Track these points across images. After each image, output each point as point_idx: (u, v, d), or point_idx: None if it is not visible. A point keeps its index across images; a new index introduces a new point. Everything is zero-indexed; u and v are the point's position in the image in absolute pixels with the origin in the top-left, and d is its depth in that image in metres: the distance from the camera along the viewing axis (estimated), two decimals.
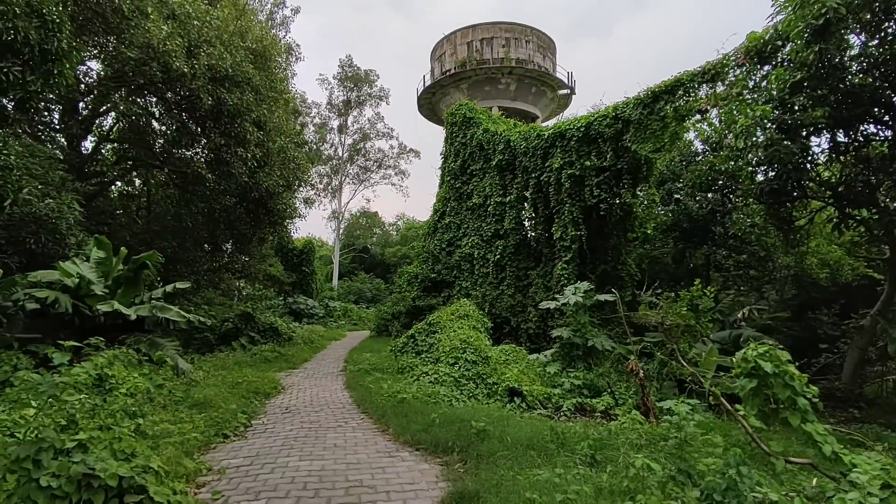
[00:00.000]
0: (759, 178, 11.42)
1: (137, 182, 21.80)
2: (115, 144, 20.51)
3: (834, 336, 14.32)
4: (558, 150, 14.38)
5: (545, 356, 10.63)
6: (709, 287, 10.08)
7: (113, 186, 22.05)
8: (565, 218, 14.13)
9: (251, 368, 12.74)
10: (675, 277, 18.02)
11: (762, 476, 3.59)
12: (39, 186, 11.01)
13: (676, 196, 16.74)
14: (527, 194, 15.85)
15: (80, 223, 13.65)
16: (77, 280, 8.61)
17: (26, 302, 8.19)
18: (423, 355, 11.34)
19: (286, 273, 34.33)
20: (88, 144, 20.00)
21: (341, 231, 52.71)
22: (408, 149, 52.71)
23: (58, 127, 17.34)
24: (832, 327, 14.58)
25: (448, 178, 18.85)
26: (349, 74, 50.07)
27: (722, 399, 4.48)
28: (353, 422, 7.26)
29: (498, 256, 16.42)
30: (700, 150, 16.47)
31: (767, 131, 9.40)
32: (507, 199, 16.39)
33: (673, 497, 3.48)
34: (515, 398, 8.62)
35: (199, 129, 17.30)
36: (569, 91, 37.14)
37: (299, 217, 23.03)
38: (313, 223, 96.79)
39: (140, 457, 4.11)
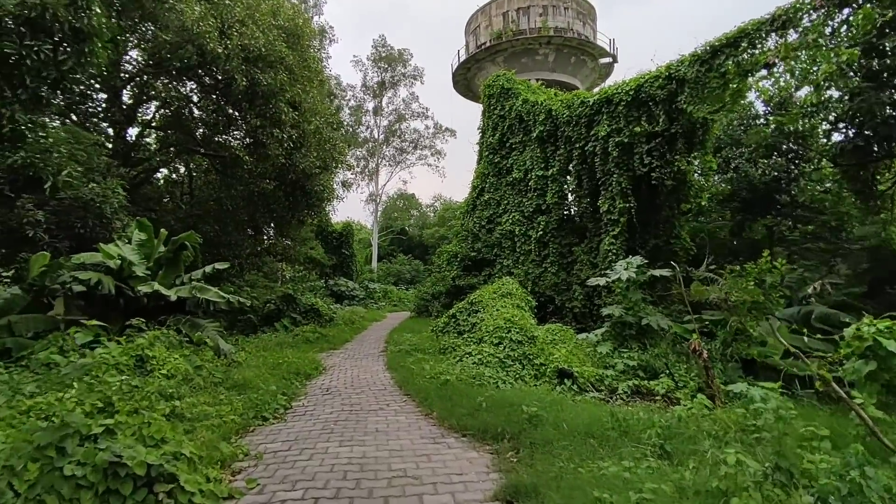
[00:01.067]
0: (837, 137, 10.23)
1: (182, 169, 22.19)
2: (158, 132, 20.80)
3: None
4: (605, 117, 13.44)
5: (595, 336, 9.99)
6: (779, 260, 9.12)
7: (158, 174, 22.58)
8: (613, 189, 13.26)
9: (292, 349, 12.71)
10: (734, 252, 16.82)
11: (891, 478, 2.94)
12: (80, 170, 11.15)
13: (735, 163, 15.46)
14: (570, 167, 15.01)
15: (125, 208, 13.89)
16: (119, 262, 8.60)
17: (73, 284, 8.24)
18: (465, 335, 10.93)
19: (326, 256, 34.64)
20: (133, 132, 20.50)
21: (379, 213, 52.85)
22: (443, 128, 52.00)
23: (102, 115, 17.68)
24: None
25: (486, 154, 18.15)
26: (383, 55, 49.59)
27: (834, 385, 3.79)
28: (396, 404, 6.93)
29: (540, 233, 15.71)
30: (761, 112, 15.10)
31: (851, 81, 8.28)
32: (549, 172, 15.58)
33: (776, 502, 2.90)
34: (565, 380, 8.08)
35: (235, 112, 17.26)
36: (611, 59, 35.31)
37: (337, 199, 22.92)
38: (352, 207, 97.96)
39: (171, 442, 3.86)
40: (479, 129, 19.74)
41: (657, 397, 7.39)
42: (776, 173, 14.22)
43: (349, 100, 49.34)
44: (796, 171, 13.76)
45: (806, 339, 9.88)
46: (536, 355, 8.89)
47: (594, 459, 4.29)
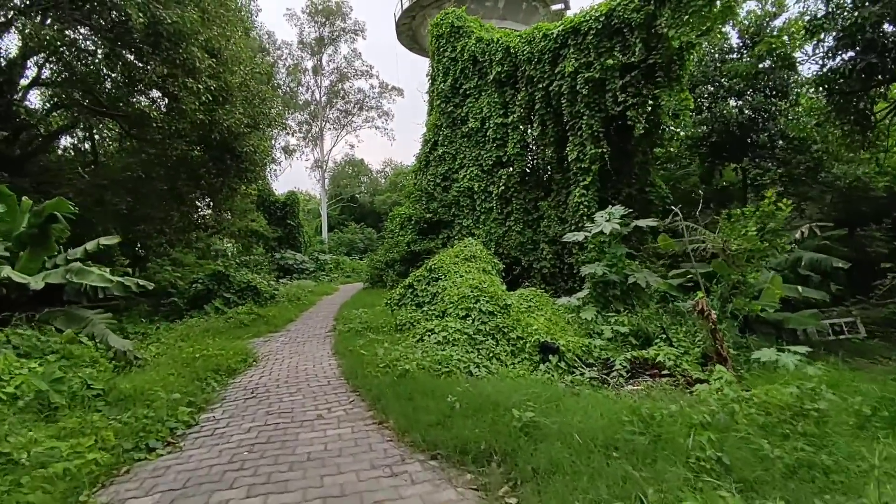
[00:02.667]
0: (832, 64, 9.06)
1: (80, 133, 18.95)
2: (47, 90, 17.40)
3: (883, 254, 12.47)
4: (571, 51, 11.80)
5: (577, 300, 8.63)
6: (783, 200, 7.97)
7: (63, 142, 19.27)
8: (583, 134, 11.79)
9: (223, 336, 10.77)
10: (705, 201, 15.96)
11: None
12: None
13: (707, 102, 14.33)
14: (533, 112, 13.38)
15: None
16: None
17: None
18: (425, 308, 9.34)
19: (270, 228, 32.05)
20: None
21: (327, 181, 49.89)
22: (389, 87, 49.17)
23: None
24: (884, 244, 12.68)
25: (438, 103, 16.22)
26: (319, 7, 45.72)
27: None
28: (340, 408, 5.28)
29: (502, 188, 14.16)
30: (735, 47, 13.89)
31: None
32: (510, 119, 13.92)
33: None
34: (550, 356, 6.69)
35: (136, 61, 14.39)
36: (562, 5, 33.46)
37: (275, 163, 20.36)
38: (298, 177, 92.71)
39: None
40: (427, 75, 17.69)
41: (663, 371, 6.10)
42: (751, 112, 13.16)
43: (285, 58, 45.38)
44: (774, 108, 12.73)
45: (800, 288, 8.90)
46: (512, 327, 7.43)
47: (633, 488, 2.84)
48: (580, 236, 9.57)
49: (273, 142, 22.82)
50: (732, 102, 13.81)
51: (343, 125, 49.64)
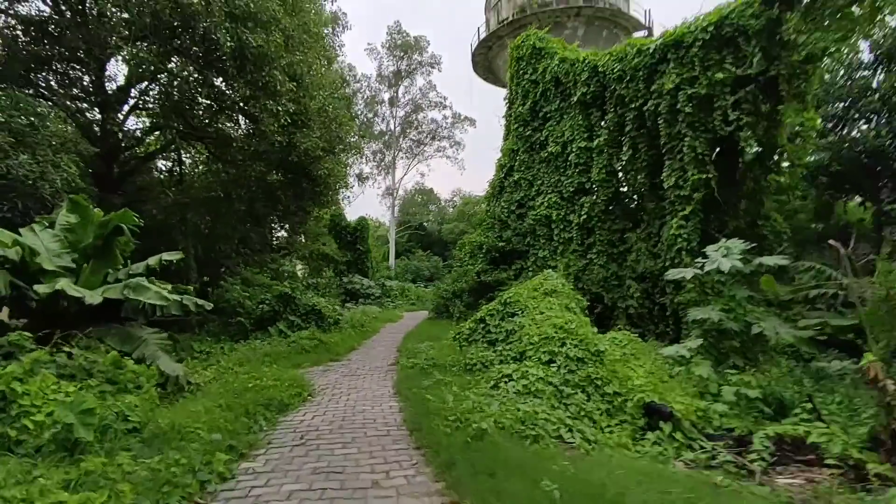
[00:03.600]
0: None
1: (171, 156, 19.97)
2: (148, 113, 18.45)
3: None
4: (672, 66, 10.55)
5: (686, 350, 7.16)
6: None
7: (157, 163, 20.44)
8: (685, 157, 10.39)
9: (283, 361, 10.26)
10: (820, 238, 13.75)
11: None
12: (10, 140, 8.82)
13: (826, 124, 12.40)
14: (623, 135, 12.14)
15: (82, 190, 11.63)
16: (20, 251, 6.16)
17: None
18: (498, 347, 8.23)
19: (340, 252, 32.44)
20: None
21: (396, 208, 50.54)
22: (462, 117, 49.44)
23: (90, 98, 15.48)
24: None
25: (515, 127, 15.38)
26: (398, 42, 47.29)
27: None
28: (400, 472, 4.29)
29: (584, 217, 12.90)
30: (866, 62, 11.97)
31: None
32: (595, 142, 12.75)
33: None
34: (661, 422, 5.34)
35: (221, 82, 14.85)
36: (646, 32, 32.06)
37: (348, 188, 20.40)
38: (369, 204, 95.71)
39: None
40: (505, 99, 16.99)
41: (826, 457, 4.57)
42: (892, 138, 11.12)
43: (363, 90, 47.11)
44: None
45: None
46: (607, 380, 6.15)
47: None
48: (688, 273, 8.11)
49: (348, 168, 22.93)
50: (864, 126, 11.82)
51: (415, 154, 50.41)
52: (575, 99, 13.25)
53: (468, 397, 5.99)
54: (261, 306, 14.21)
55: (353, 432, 5.54)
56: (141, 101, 17.37)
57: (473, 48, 35.48)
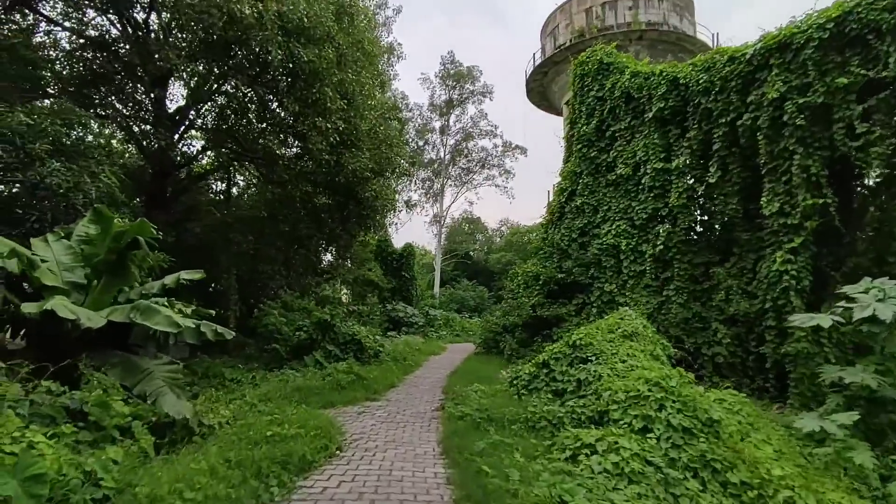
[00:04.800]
0: None
1: (220, 175, 19.87)
2: (202, 132, 18.40)
3: None
4: (776, 72, 8.98)
5: (836, 425, 5.38)
6: None
7: (209, 183, 20.44)
8: (793, 179, 8.69)
9: (314, 399, 9.12)
10: None
11: None
12: (45, 146, 8.34)
13: None
14: (710, 154, 10.56)
15: (123, 204, 11.20)
16: (18, 264, 5.35)
17: None
18: (568, 400, 6.71)
19: (385, 278, 31.71)
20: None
21: (443, 237, 49.78)
22: (513, 146, 48.73)
23: (146, 116, 15.52)
24: None
25: (578, 147, 14.03)
26: (451, 72, 47.54)
27: None
28: None
29: (660, 247, 11.24)
30: None
31: None
32: (674, 163, 11.20)
33: None
34: None
35: (270, 96, 14.44)
36: None
37: (394, 210, 19.55)
38: (415, 232, 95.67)
39: None
40: (566, 120, 15.72)
41: None
42: None
43: (415, 119, 47.40)
44: None
45: None
46: (729, 463, 4.54)
47: None
48: (823, 321, 6.33)
49: (397, 193, 22.22)
50: None
51: (464, 182, 49.87)
52: (650, 115, 11.81)
53: (539, 475, 4.53)
54: (298, 333, 13.25)
55: None
56: (197, 122, 17.30)
57: (528, 74, 34.72)
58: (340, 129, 14.45)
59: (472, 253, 57.74)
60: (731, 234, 10.52)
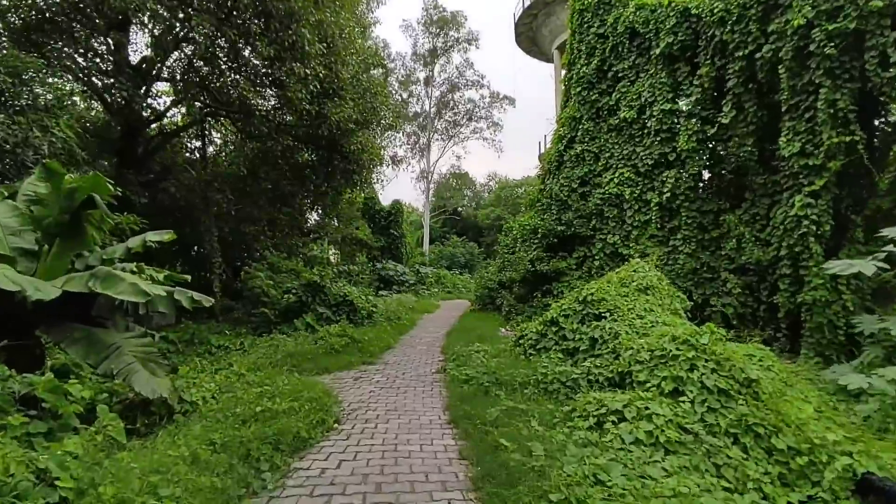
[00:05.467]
0: None
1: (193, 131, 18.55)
2: (172, 84, 16.97)
3: None
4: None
5: (880, 376, 4.96)
6: None
7: (183, 142, 19.13)
8: (818, 115, 8.01)
9: (307, 364, 8.63)
10: None
11: None
12: None
13: None
14: (724, 92, 9.79)
15: (86, 162, 10.19)
16: None
17: None
18: (584, 361, 6.24)
19: (374, 237, 30.99)
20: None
21: (431, 193, 48.72)
22: (501, 96, 46.98)
23: (108, 69, 14.09)
24: None
25: (578, 90, 13.10)
26: (434, 18, 45.11)
27: None
28: None
29: (667, 195, 10.64)
30: None
31: None
32: (684, 103, 10.43)
33: None
34: None
35: (241, 41, 13.16)
36: None
37: (381, 163, 18.57)
38: (402, 189, 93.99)
39: None
40: (563, 61, 14.68)
41: None
42: None
43: (398, 70, 45.24)
44: None
45: None
46: (773, 427, 4.10)
47: None
48: (867, 268, 5.81)
49: (383, 147, 21.06)
50: None
51: (451, 136, 48.39)
52: (657, 52, 10.91)
53: (565, 447, 4.05)
54: (286, 296, 12.62)
55: (397, 494, 3.72)
56: (164, 73, 15.87)
57: (517, 18, 32.83)
58: (321, 75, 13.32)
59: (460, 209, 56.99)
60: (743, 179, 9.93)
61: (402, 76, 45.90)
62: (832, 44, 7.73)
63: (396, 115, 21.28)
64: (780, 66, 8.51)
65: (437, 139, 48.04)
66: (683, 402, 4.41)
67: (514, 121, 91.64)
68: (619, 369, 5.37)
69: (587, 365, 5.86)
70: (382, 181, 45.97)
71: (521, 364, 7.05)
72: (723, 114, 9.63)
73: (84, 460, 3.45)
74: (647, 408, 4.33)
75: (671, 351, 4.94)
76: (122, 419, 5.01)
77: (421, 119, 47.10)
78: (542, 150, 29.09)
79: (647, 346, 5.30)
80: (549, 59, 34.59)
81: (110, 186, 5.19)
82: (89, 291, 4.69)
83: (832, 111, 7.83)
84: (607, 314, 6.63)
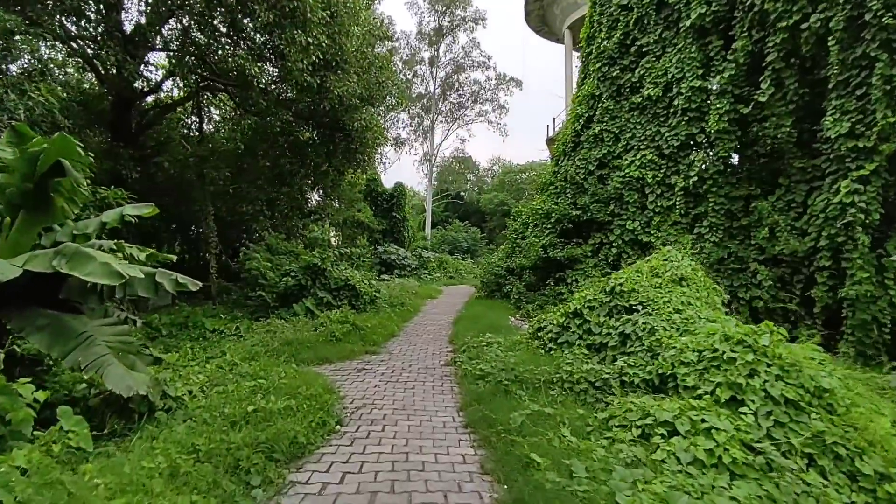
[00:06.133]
0: None
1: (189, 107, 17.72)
2: (165, 52, 16.08)
3: None
4: None
5: None
6: None
7: (181, 117, 18.34)
8: (873, 92, 7.28)
9: (307, 353, 8.03)
10: None
11: None
12: None
13: None
14: (760, 68, 9.02)
15: (70, 131, 9.44)
16: None
17: None
18: (609, 356, 5.63)
19: (376, 219, 30.27)
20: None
21: (434, 176, 47.85)
22: (507, 78, 45.78)
23: (98, 36, 13.23)
24: None
25: (598, 66, 12.30)
26: None
27: None
28: None
29: (694, 179, 9.93)
30: None
31: None
32: (717, 80, 9.65)
33: None
34: None
35: (238, 5, 12.31)
36: None
37: (385, 142, 17.77)
38: (404, 173, 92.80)
39: None
40: (582, 35, 13.81)
41: None
42: None
43: (402, 49, 44.06)
44: None
45: None
46: (856, 448, 3.48)
47: None
48: None
49: (385, 127, 20.13)
50: None
51: (455, 118, 47.32)
52: (688, 24, 10.10)
53: (608, 465, 3.44)
54: (285, 279, 11.97)
55: None
56: (159, 44, 14.96)
57: None
58: (323, 45, 12.49)
59: (463, 193, 56.11)
60: (777, 163, 9.21)
61: (407, 56, 44.75)
62: (890, 13, 6.96)
63: (402, 93, 20.39)
64: (829, 38, 7.74)
65: (441, 121, 47.06)
66: (745, 414, 3.78)
67: (521, 104, 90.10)
68: (660, 370, 4.74)
69: (620, 364, 5.22)
70: (385, 163, 44.97)
71: (541, 359, 6.42)
72: (760, 91, 8.87)
73: (36, 478, 2.83)
74: (703, 420, 3.70)
75: (724, 352, 4.30)
76: (98, 416, 4.45)
77: (425, 100, 46.07)
78: (551, 134, 28.22)
79: (692, 346, 4.66)
80: (559, 40, 33.40)
81: (80, 151, 4.49)
82: (54, 272, 4.02)
83: (888, 88, 7.09)
84: (639, 307, 5.98)
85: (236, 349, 7.94)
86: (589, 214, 11.84)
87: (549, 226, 12.49)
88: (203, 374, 5.94)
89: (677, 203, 10.30)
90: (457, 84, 46.74)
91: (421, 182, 60.75)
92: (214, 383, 5.72)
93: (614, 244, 11.28)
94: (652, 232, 10.67)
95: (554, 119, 28.70)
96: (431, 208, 45.24)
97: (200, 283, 4.99)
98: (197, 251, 18.56)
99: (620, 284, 6.42)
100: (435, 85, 45.99)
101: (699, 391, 4.18)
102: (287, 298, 11.95)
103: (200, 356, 7.49)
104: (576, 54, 29.62)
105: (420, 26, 43.49)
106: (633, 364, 5.15)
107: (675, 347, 4.81)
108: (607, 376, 5.20)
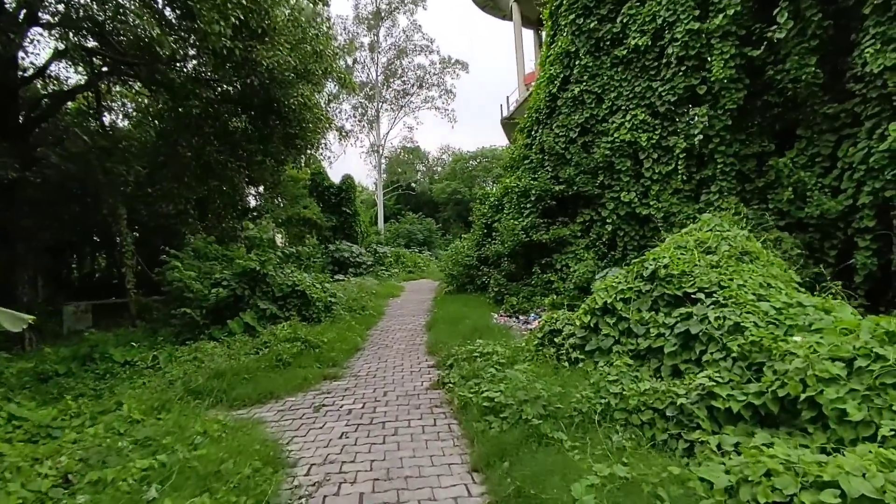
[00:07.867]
0: None
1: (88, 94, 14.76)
2: (52, 31, 13.13)
3: None
4: None
5: None
6: None
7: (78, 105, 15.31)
8: None
9: (243, 387, 5.99)
10: None
11: None
12: None
13: None
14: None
15: None
16: None
17: None
18: (668, 367, 3.99)
19: (324, 216, 27.89)
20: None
21: (382, 167, 45.47)
22: (453, 61, 43.94)
23: None
24: None
25: (571, 19, 10.69)
26: None
27: None
28: None
29: (698, 137, 8.51)
30: None
31: None
32: (717, 21, 8.22)
33: None
34: None
35: None
36: None
37: (328, 126, 15.51)
38: (351, 166, 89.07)
39: None
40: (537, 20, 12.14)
41: None
42: None
43: (338, 35, 41.21)
44: None
45: None
46: None
47: None
48: None
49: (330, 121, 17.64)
50: None
51: (401, 106, 45.04)
52: None
53: None
54: (216, 290, 9.68)
55: None
56: (42, 17, 12.07)
57: None
58: (244, 2, 10.20)
59: (414, 184, 54.10)
60: (794, 113, 7.91)
61: (346, 41, 41.99)
62: None
63: (344, 74, 17.97)
64: None
65: (387, 110, 44.68)
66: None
67: (469, 89, 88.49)
68: (779, 391, 3.11)
69: (701, 381, 3.56)
70: (330, 157, 42.18)
71: (566, 376, 4.72)
72: (776, 27, 7.50)
73: None
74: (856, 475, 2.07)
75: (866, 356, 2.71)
76: None
77: (368, 88, 43.52)
78: (506, 114, 26.74)
79: (826, 351, 3.05)
80: (506, 16, 31.92)
81: None
82: None
83: None
84: (701, 295, 4.37)
85: (142, 393, 5.76)
86: (575, 188, 10.25)
87: (528, 205, 10.83)
88: (72, 455, 3.81)
89: (679, 167, 8.87)
90: (400, 70, 44.45)
91: (370, 175, 58.12)
92: (86, 467, 3.63)
93: (608, 220, 9.76)
94: (651, 203, 9.21)
95: (507, 98, 27.12)
96: (383, 201, 42.95)
97: (27, 320, 2.90)
98: (110, 263, 15.74)
99: (665, 266, 4.79)
100: (377, 72, 43.51)
101: (873, 429, 2.57)
102: (220, 313, 9.68)
103: (88, 410, 5.27)
104: (528, 31, 28.24)
105: (357, 10, 40.86)
106: (722, 380, 3.50)
107: (793, 354, 3.20)
108: (684, 401, 3.53)
